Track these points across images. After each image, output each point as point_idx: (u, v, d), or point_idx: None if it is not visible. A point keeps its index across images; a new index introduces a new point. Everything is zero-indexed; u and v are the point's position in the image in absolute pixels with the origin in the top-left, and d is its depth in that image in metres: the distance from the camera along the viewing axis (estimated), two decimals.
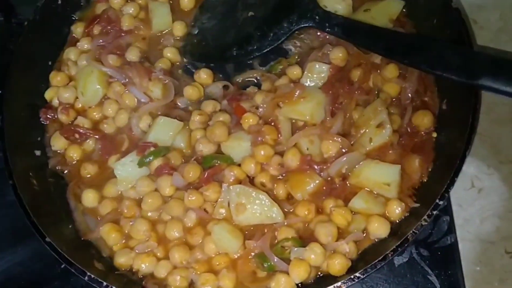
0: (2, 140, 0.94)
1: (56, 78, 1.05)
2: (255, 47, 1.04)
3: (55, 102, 1.05)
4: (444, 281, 0.98)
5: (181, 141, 0.97)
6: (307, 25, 1.02)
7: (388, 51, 0.92)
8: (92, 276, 0.81)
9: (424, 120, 0.94)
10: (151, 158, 0.93)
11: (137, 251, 0.90)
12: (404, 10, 1.06)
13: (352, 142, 0.93)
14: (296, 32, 1.04)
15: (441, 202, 0.80)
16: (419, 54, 0.86)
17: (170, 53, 1.06)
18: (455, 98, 0.94)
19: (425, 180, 0.92)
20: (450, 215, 1.03)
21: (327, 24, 0.99)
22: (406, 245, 0.79)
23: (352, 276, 0.79)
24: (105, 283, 0.81)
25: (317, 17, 1.00)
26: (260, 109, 0.96)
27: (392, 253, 0.79)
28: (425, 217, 0.80)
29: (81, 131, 1.00)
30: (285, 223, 0.88)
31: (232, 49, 1.05)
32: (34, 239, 1.03)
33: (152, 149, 0.94)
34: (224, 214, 0.90)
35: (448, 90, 0.96)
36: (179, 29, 1.09)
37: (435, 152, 0.93)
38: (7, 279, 1.05)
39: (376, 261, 0.78)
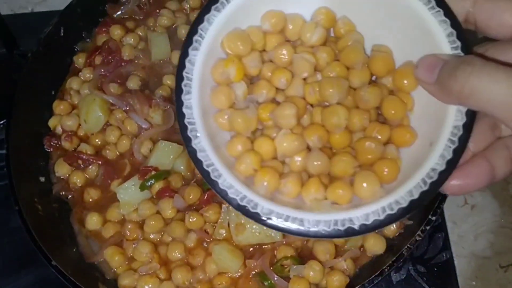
0: (8, 168, 0.96)
1: (59, 106, 1.09)
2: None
3: (59, 130, 1.07)
4: None
5: (181, 164, 1.00)
6: None
7: None
8: None
9: None
10: (152, 181, 0.96)
11: (140, 273, 0.92)
12: None
13: None
14: None
15: (433, 218, 0.83)
16: None
17: (170, 80, 1.09)
18: None
19: None
20: (445, 232, 1.06)
21: None
22: (401, 260, 0.81)
23: None
24: None
25: None
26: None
27: (388, 268, 0.81)
28: (419, 232, 0.83)
29: (84, 157, 1.03)
30: (284, 242, 0.90)
31: None
32: (37, 265, 1.05)
33: (153, 173, 0.97)
34: (224, 235, 0.92)
35: None
36: (177, 57, 1.12)
37: None
38: None
39: (373, 276, 0.81)
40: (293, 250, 0.89)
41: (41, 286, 1.06)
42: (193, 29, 0.59)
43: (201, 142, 0.56)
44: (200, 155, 0.55)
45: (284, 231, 0.53)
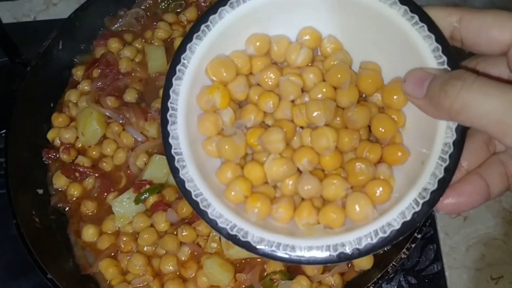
0: (6, 180, 0.98)
1: (57, 119, 1.11)
2: None
3: (57, 142, 1.09)
4: None
5: None
6: None
7: None
8: None
9: None
10: (146, 195, 0.98)
11: (134, 285, 0.94)
12: None
13: None
14: None
15: (419, 236, 0.84)
16: None
17: None
18: None
19: None
20: (437, 243, 1.07)
21: None
22: (386, 277, 0.83)
23: None
24: None
25: None
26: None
27: (373, 285, 0.83)
28: (404, 250, 0.84)
29: (81, 169, 1.05)
30: None
31: None
32: (36, 272, 1.07)
33: (147, 186, 0.99)
34: (216, 248, 0.94)
35: None
36: None
37: None
38: None
39: None
40: (282, 264, 0.91)
41: None
42: (176, 59, 0.59)
43: (189, 172, 0.56)
44: (188, 186, 0.56)
45: (276, 259, 0.53)
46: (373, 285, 0.82)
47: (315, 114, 0.57)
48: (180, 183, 0.56)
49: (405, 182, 0.54)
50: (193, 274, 0.94)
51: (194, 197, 0.55)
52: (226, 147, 0.58)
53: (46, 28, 1.16)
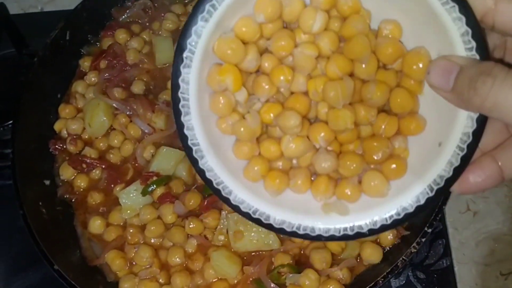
0: (13, 171, 0.98)
1: (64, 110, 1.10)
2: None
3: (64, 133, 1.09)
4: None
5: (183, 170, 1.01)
6: None
7: None
8: None
9: None
10: (154, 187, 0.97)
11: (140, 277, 0.93)
12: None
13: None
14: None
15: (429, 230, 0.83)
16: None
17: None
18: None
19: None
20: (446, 238, 1.06)
21: None
22: (396, 272, 0.82)
23: None
24: None
25: None
26: None
27: (382, 279, 0.82)
28: (414, 244, 0.83)
29: (88, 161, 1.05)
30: (282, 250, 0.91)
31: None
32: (44, 263, 1.07)
33: (154, 178, 0.98)
34: (223, 241, 0.93)
35: None
36: None
37: None
38: None
39: (367, 287, 0.81)
40: (290, 257, 0.90)
41: (48, 285, 1.08)
42: (182, 45, 0.54)
43: (208, 162, 0.56)
44: (208, 175, 0.56)
45: (297, 237, 0.56)
46: (382, 279, 0.81)
47: (331, 95, 0.54)
48: (201, 173, 0.56)
49: (419, 159, 0.55)
50: (200, 267, 0.93)
51: (215, 186, 0.56)
52: (242, 129, 0.57)
53: (53, 19, 1.15)
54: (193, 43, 0.55)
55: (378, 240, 0.92)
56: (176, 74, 0.56)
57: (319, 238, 0.56)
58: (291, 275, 0.88)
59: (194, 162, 0.56)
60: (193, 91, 0.56)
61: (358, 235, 0.54)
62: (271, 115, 0.57)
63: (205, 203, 0.96)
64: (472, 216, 1.10)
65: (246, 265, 0.91)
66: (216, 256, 0.90)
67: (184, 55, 0.55)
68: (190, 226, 0.93)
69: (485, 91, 0.44)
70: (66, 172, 1.05)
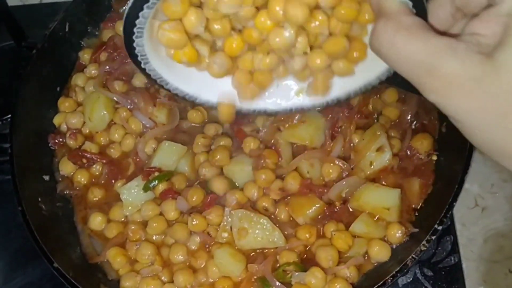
0: (11, 166, 0.96)
1: (64, 104, 1.08)
2: None
3: (63, 128, 1.07)
4: None
5: (185, 165, 0.99)
6: None
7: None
8: None
9: (423, 143, 0.95)
10: (155, 182, 0.95)
11: (142, 275, 0.91)
12: None
13: (352, 166, 0.94)
14: None
15: (439, 227, 0.81)
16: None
17: None
18: None
19: (425, 204, 0.92)
20: (454, 235, 1.04)
21: None
22: (405, 270, 0.80)
23: None
24: None
25: None
26: (261, 133, 0.98)
27: (391, 278, 0.80)
28: (424, 242, 0.81)
29: (88, 156, 1.02)
30: (287, 247, 0.89)
31: None
32: (43, 260, 1.05)
33: (156, 173, 0.96)
34: (227, 238, 0.91)
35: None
36: None
37: (435, 174, 0.94)
38: None
39: (376, 286, 0.79)
40: (296, 255, 0.88)
41: (48, 281, 1.07)
42: None
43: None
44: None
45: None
46: (391, 278, 0.79)
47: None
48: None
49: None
50: (204, 264, 0.91)
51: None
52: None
53: (53, 11, 1.14)
54: None
55: (386, 238, 0.90)
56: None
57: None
58: (297, 273, 0.86)
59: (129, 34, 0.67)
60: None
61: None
62: None
63: (208, 199, 0.93)
64: (481, 211, 1.08)
65: (250, 263, 0.89)
66: (220, 254, 0.88)
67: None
68: (193, 222, 0.91)
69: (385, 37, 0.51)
70: (66, 167, 1.03)
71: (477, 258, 1.04)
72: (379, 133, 0.93)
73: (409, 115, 0.98)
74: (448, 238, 1.04)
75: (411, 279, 1.01)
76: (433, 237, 0.81)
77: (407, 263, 0.80)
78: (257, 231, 0.88)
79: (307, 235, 0.89)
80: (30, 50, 1.13)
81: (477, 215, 1.08)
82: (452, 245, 1.03)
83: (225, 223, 0.91)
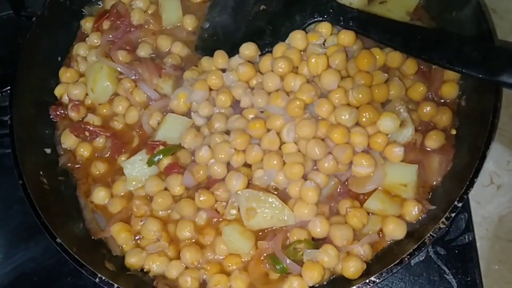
0: (11, 138, 0.93)
1: (65, 74, 1.04)
2: (267, 42, 1.00)
3: (65, 99, 1.03)
4: (461, 280, 0.96)
5: None
6: (320, 18, 0.98)
7: (406, 46, 0.89)
8: (103, 278, 0.80)
9: (443, 118, 0.91)
10: (160, 157, 0.92)
11: (148, 251, 0.89)
12: (421, 2, 1.03)
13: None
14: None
15: (460, 204, 0.78)
16: (438, 49, 0.83)
17: (179, 47, 1.04)
18: (474, 94, 0.91)
19: (444, 180, 0.89)
20: (468, 213, 1.01)
21: (341, 18, 0.96)
22: (423, 248, 0.77)
23: (367, 281, 0.77)
24: (116, 285, 0.79)
25: (331, 11, 0.97)
26: None
27: (409, 256, 0.77)
28: (443, 219, 0.78)
29: (91, 128, 0.99)
30: (297, 225, 0.86)
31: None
32: (46, 235, 1.03)
33: (161, 147, 0.93)
34: (235, 215, 0.88)
35: (467, 86, 0.93)
36: (190, 23, 1.07)
37: (455, 150, 0.90)
38: (19, 275, 1.05)
39: (392, 265, 0.76)
40: (307, 233, 0.85)
41: (50, 256, 1.04)
42: None
43: None
44: None
45: None
46: (408, 256, 0.76)
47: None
48: None
49: None
50: (211, 241, 0.88)
51: None
52: None
53: None
54: None
55: (402, 214, 0.86)
56: None
57: None
58: (309, 250, 0.82)
59: None
60: None
61: None
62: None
63: None
64: (496, 189, 1.05)
65: (260, 240, 0.86)
66: (229, 231, 0.85)
67: None
68: (201, 198, 0.88)
69: None
70: (68, 140, 1.00)
71: (492, 237, 1.01)
72: (399, 107, 0.89)
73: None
74: (462, 217, 1.01)
75: (423, 257, 0.98)
76: (453, 214, 0.78)
77: (425, 240, 0.77)
78: (267, 210, 0.85)
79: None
80: (30, 20, 1.09)
81: (492, 193, 1.05)
82: (466, 224, 1.00)
83: (233, 200, 0.88)
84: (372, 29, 0.93)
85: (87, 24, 1.09)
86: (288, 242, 0.86)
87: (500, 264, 0.99)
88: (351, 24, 0.95)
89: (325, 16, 0.98)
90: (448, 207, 0.79)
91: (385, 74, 0.92)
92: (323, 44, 0.97)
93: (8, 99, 1.07)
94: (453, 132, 0.92)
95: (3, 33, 1.23)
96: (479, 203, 1.04)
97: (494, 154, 1.05)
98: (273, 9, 1.02)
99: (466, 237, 0.99)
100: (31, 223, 1.06)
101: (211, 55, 1.01)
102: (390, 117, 0.87)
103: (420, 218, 0.86)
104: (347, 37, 0.95)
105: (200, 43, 1.06)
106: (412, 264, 0.98)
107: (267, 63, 0.95)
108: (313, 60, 0.91)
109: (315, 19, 0.98)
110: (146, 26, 1.06)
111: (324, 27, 0.97)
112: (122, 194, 0.95)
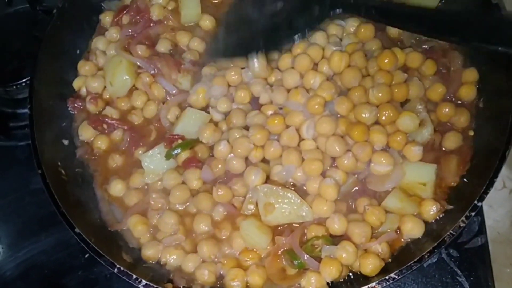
0: (31, 129, 0.93)
1: (84, 67, 1.04)
2: (284, 37, 0.97)
3: (83, 92, 1.04)
4: (473, 282, 0.96)
5: None
6: (341, 10, 0.93)
7: (434, 31, 0.83)
8: (122, 268, 0.80)
9: (461, 119, 0.92)
10: (178, 150, 0.92)
11: (164, 244, 0.89)
12: None
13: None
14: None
15: (479, 203, 0.78)
16: (469, 29, 0.77)
17: (196, 43, 1.04)
18: (492, 96, 0.92)
19: (461, 180, 0.89)
20: (481, 216, 1.01)
21: (363, 8, 0.90)
22: (443, 246, 0.77)
23: (387, 277, 0.77)
24: (134, 276, 0.79)
25: (352, 0, 0.93)
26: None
27: (428, 254, 0.77)
28: (463, 218, 0.78)
29: (109, 121, 0.99)
30: (315, 222, 0.86)
31: (261, 40, 0.99)
32: (57, 228, 1.02)
33: (179, 141, 0.93)
34: (253, 210, 0.88)
35: (485, 89, 0.93)
36: (208, 24, 1.06)
37: (472, 151, 0.91)
38: (30, 267, 1.05)
39: (411, 262, 0.76)
40: (325, 229, 0.85)
41: (62, 249, 1.04)
42: None
43: None
44: None
45: None
46: (428, 254, 0.76)
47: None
48: None
49: None
50: (228, 235, 0.88)
51: None
52: None
53: None
54: None
55: (420, 213, 0.86)
56: None
57: None
58: (327, 247, 0.83)
59: None
60: None
61: None
62: None
63: None
64: (508, 193, 1.06)
65: (278, 235, 0.86)
66: (246, 226, 0.85)
67: None
68: (219, 193, 0.88)
69: None
70: (86, 132, 1.00)
71: (504, 240, 1.02)
72: (419, 107, 0.89)
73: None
74: (475, 219, 1.01)
75: (436, 259, 0.99)
76: (473, 213, 0.78)
77: (445, 239, 0.77)
78: (285, 205, 0.85)
79: None
80: (46, 13, 1.10)
81: (504, 196, 1.05)
82: (479, 226, 1.01)
83: (251, 195, 0.88)
84: (397, 17, 0.88)
85: (106, 18, 1.09)
86: (305, 238, 0.86)
87: None
88: (373, 13, 0.89)
89: (346, 8, 0.93)
90: (466, 207, 0.79)
91: (405, 74, 0.92)
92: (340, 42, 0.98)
93: (23, 92, 1.08)
94: (471, 133, 0.92)
95: (19, 27, 1.23)
96: (491, 207, 1.04)
97: (507, 159, 1.05)
98: (291, 4, 1.00)
99: (479, 239, 1.00)
100: (43, 216, 1.07)
101: (225, 54, 0.99)
102: (410, 116, 0.87)
103: (438, 217, 0.86)
104: (367, 30, 0.95)
105: (213, 45, 1.03)
106: (425, 266, 0.98)
107: (286, 60, 0.95)
108: (336, 58, 0.91)
109: (336, 11, 0.94)
110: (165, 22, 1.07)
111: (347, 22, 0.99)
112: (139, 187, 0.95)
